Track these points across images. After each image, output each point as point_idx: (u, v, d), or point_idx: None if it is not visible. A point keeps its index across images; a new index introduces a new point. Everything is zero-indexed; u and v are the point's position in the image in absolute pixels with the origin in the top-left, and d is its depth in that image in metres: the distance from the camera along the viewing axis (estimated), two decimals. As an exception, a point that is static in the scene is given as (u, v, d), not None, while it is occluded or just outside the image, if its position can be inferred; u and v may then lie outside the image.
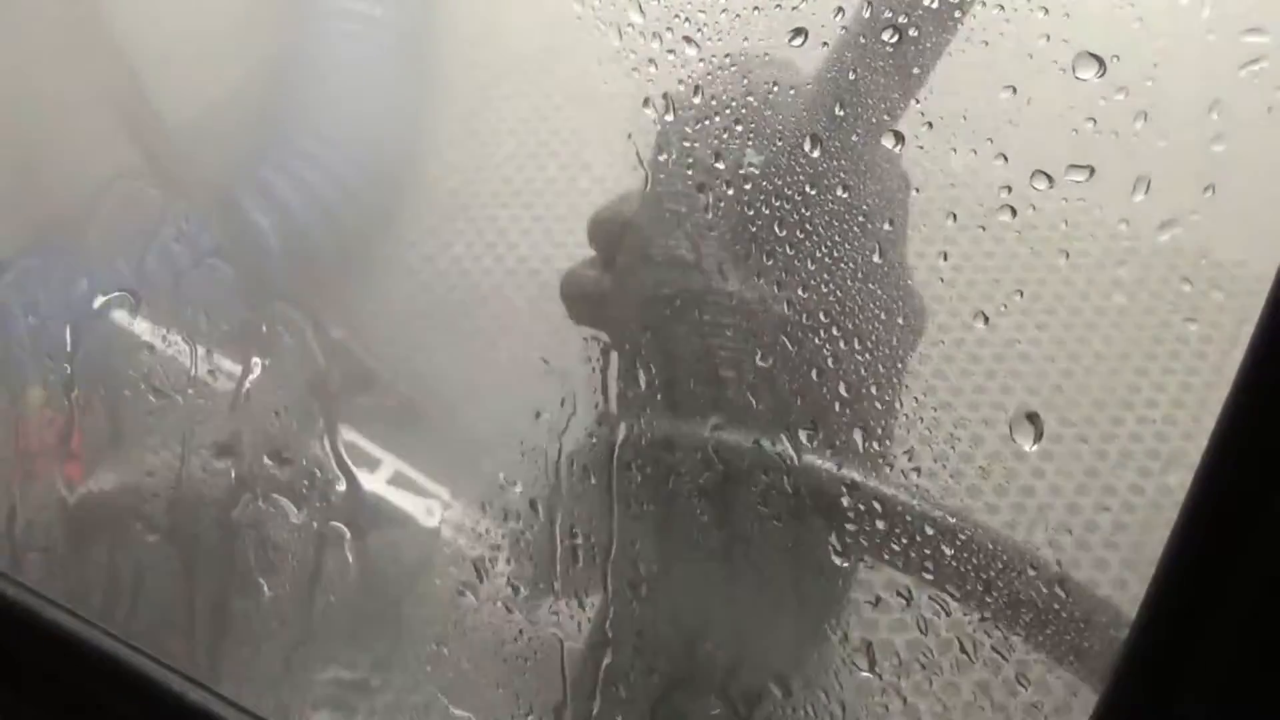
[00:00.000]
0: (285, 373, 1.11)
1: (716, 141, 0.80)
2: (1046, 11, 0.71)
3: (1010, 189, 0.74)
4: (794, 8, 0.76)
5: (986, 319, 0.84)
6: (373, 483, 1.11)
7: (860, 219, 0.79)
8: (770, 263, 0.80)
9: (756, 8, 0.77)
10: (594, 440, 0.88)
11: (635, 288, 0.87)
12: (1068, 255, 0.92)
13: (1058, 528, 1.11)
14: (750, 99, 0.80)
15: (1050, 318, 1.16)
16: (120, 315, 1.15)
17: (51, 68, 1.25)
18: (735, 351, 0.83)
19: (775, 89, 0.79)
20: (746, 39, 0.78)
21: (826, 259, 0.79)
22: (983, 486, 1.01)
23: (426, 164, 1.43)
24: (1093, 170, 0.71)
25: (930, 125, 0.75)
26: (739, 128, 0.80)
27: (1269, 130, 0.68)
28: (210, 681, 0.72)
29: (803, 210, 0.79)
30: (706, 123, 0.81)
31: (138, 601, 1.07)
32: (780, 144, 0.79)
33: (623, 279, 0.88)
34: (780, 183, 0.79)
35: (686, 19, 0.79)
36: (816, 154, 0.78)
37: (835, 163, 0.78)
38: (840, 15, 0.75)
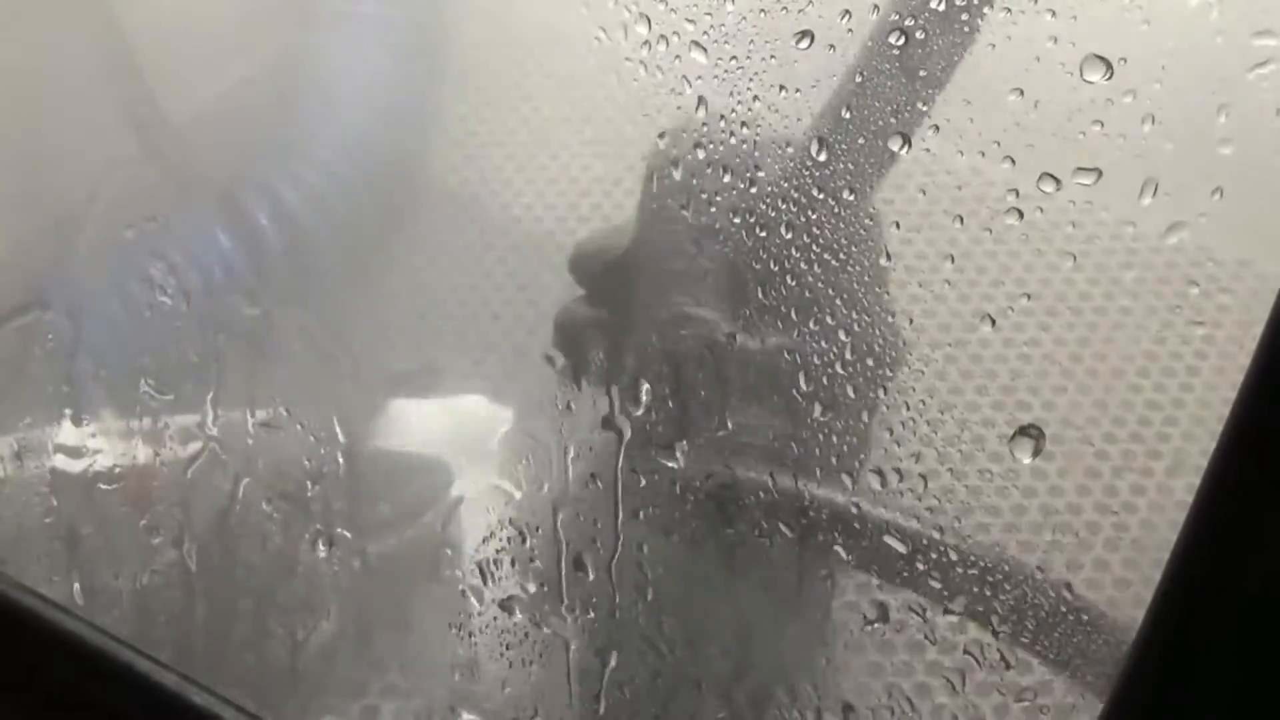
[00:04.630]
0: (287, 374, 1.11)
1: (710, 191, 0.81)
2: (1054, 14, 0.71)
3: (1017, 192, 0.74)
4: (800, 10, 0.76)
5: (993, 321, 0.84)
6: (376, 484, 1.11)
7: (845, 264, 0.79)
8: (764, 308, 0.81)
9: (763, 10, 0.77)
10: (592, 450, 0.88)
11: (640, 337, 0.87)
12: (1074, 258, 0.92)
13: (1060, 529, 1.11)
14: (744, 146, 0.80)
15: (1054, 320, 1.15)
16: (123, 319, 1.15)
17: (56, 64, 1.24)
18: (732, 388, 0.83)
19: (757, 142, 0.79)
20: (753, 42, 0.78)
21: (817, 301, 0.79)
22: (985, 488, 1.01)
23: (430, 165, 1.43)
24: (1100, 173, 0.71)
25: (937, 128, 0.75)
26: (728, 177, 0.80)
27: (1278, 133, 0.68)
28: (213, 683, 0.72)
29: (794, 258, 0.79)
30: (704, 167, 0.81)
31: (140, 604, 1.07)
32: (767, 196, 0.79)
33: (625, 327, 0.88)
34: (769, 232, 0.80)
35: (693, 22, 0.79)
36: (824, 157, 0.78)
37: (815, 214, 0.78)
38: (847, 18, 0.75)
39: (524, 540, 0.94)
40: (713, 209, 0.82)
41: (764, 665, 0.89)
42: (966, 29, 0.74)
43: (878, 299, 0.79)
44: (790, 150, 0.80)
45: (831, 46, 0.77)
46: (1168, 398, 1.19)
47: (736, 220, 0.82)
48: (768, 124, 0.80)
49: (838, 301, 0.80)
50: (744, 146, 0.81)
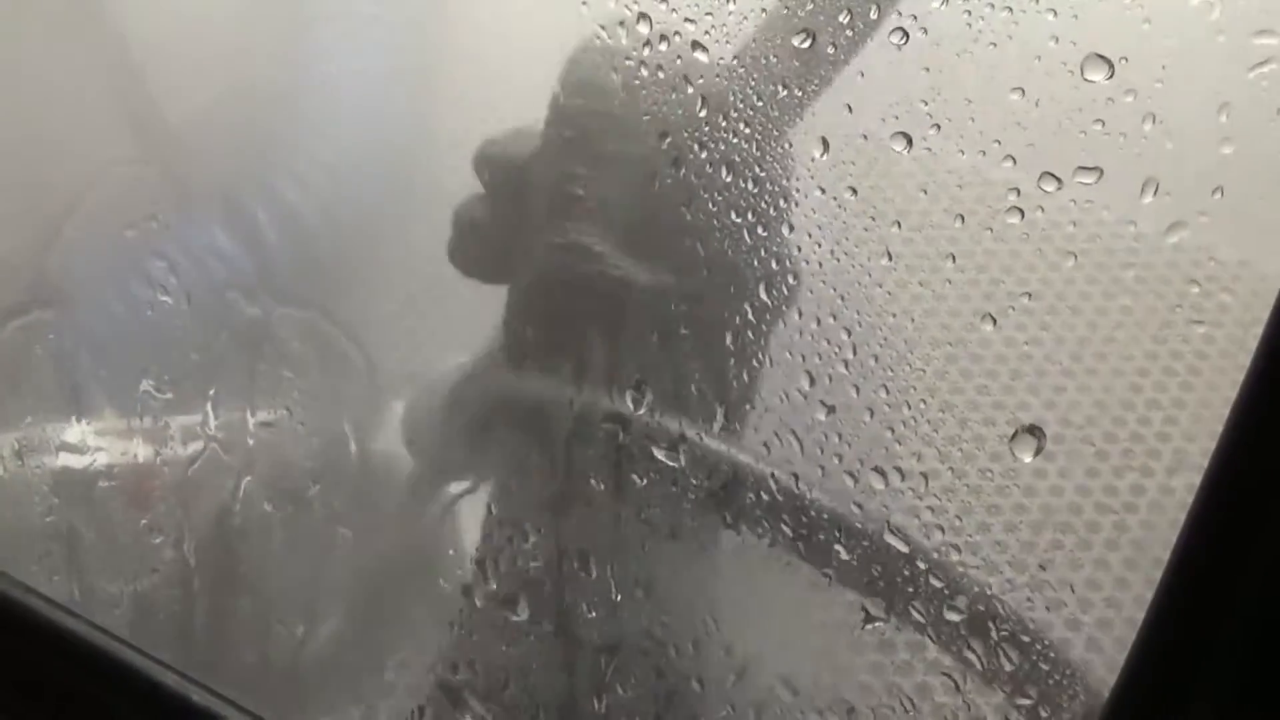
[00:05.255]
0: (288, 374, 1.11)
1: (712, 190, 0.81)
2: (1055, 14, 0.71)
3: (1018, 191, 0.74)
4: (801, 10, 0.76)
5: (994, 320, 0.84)
6: (376, 484, 1.11)
7: (744, 200, 0.80)
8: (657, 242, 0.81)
9: (764, 9, 0.77)
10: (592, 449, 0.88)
11: (529, 261, 0.87)
12: (1075, 257, 0.92)
13: (1061, 528, 1.11)
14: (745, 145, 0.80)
15: (1055, 319, 1.16)
16: (124, 318, 1.15)
17: (56, 65, 1.24)
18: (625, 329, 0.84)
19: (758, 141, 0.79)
20: (754, 41, 0.78)
21: (819, 299, 0.80)
22: (986, 487, 1.01)
23: (429, 165, 1.42)
24: (1101, 172, 0.71)
25: (938, 127, 0.75)
26: (729, 176, 0.81)
27: (1278, 133, 0.68)
28: (213, 682, 0.72)
29: (695, 191, 0.80)
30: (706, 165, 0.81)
31: (141, 603, 1.07)
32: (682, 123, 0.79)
33: (519, 246, 0.88)
34: (675, 164, 0.80)
35: (693, 21, 0.79)
36: (825, 156, 0.78)
37: (726, 145, 0.79)
38: (847, 17, 0.75)
39: (525, 539, 0.94)
40: (713, 208, 0.82)
41: (765, 664, 0.89)
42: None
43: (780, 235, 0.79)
44: (791, 149, 0.80)
45: (832, 46, 0.77)
46: (1168, 397, 1.19)
47: (738, 220, 0.82)
48: (768, 123, 0.80)
49: (839, 301, 0.80)
50: (745, 145, 0.81)
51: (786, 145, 0.79)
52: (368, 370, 1.15)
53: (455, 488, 1.10)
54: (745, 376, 0.82)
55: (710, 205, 0.80)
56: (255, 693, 1.03)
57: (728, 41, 0.78)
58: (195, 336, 1.12)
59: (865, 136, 0.77)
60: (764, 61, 0.78)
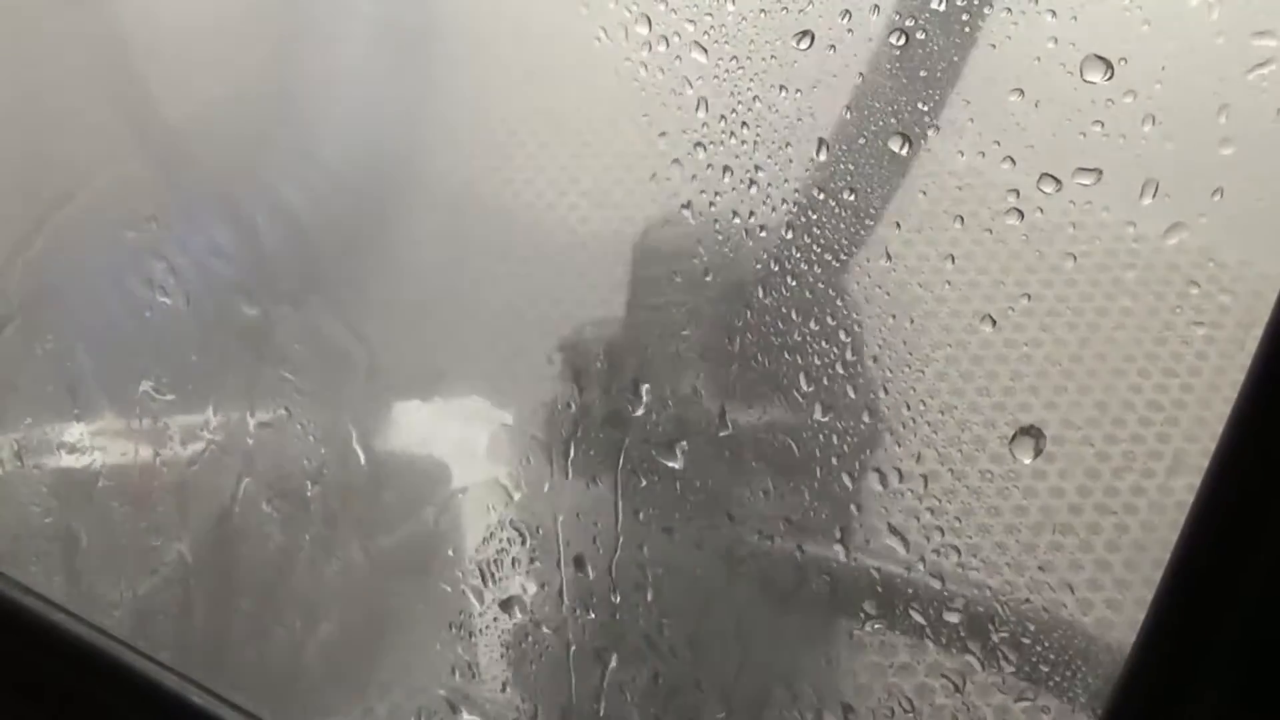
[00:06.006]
0: (287, 374, 1.11)
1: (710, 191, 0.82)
2: (1054, 14, 0.71)
3: (1018, 192, 0.74)
4: (800, 11, 0.76)
5: (994, 322, 0.84)
6: (376, 484, 1.11)
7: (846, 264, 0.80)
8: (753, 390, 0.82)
9: (763, 10, 0.77)
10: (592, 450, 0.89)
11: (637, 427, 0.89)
12: (1075, 258, 0.92)
13: (1061, 530, 1.11)
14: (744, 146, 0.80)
15: (1055, 321, 1.16)
16: (123, 319, 1.15)
17: (56, 66, 1.24)
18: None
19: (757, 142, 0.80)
20: (753, 42, 0.78)
21: (818, 301, 0.80)
22: (986, 489, 1.01)
23: (429, 165, 1.42)
24: (1100, 173, 0.71)
25: (937, 128, 0.75)
26: (728, 178, 0.81)
27: (1277, 134, 0.68)
28: (212, 683, 0.72)
29: (794, 258, 0.80)
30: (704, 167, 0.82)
31: (140, 604, 1.07)
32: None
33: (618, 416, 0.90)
34: (768, 232, 0.81)
35: (693, 22, 0.79)
36: (824, 157, 0.78)
37: (815, 214, 0.79)
38: (847, 18, 0.76)
39: (524, 540, 0.94)
40: (713, 208, 0.82)
41: (764, 665, 0.89)
42: (967, 29, 0.75)
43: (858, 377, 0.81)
44: (790, 150, 0.80)
45: (832, 47, 0.77)
46: (1169, 398, 1.19)
47: (736, 220, 0.82)
48: (768, 124, 0.80)
49: (839, 302, 0.80)
50: (744, 146, 0.81)
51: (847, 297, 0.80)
52: (368, 370, 1.15)
53: (455, 489, 1.10)
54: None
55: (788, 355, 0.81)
56: (255, 693, 1.03)
57: (727, 42, 0.78)
58: (195, 337, 1.12)
59: (865, 138, 0.77)
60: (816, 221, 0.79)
